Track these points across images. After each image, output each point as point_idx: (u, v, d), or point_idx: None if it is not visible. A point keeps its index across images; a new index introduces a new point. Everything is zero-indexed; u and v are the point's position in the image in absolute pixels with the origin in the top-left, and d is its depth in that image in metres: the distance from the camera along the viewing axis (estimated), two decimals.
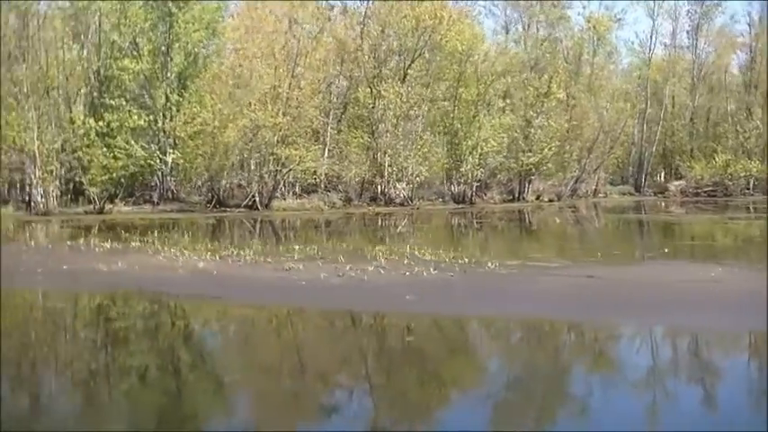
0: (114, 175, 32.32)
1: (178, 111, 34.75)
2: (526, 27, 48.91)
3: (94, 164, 31.79)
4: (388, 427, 6.19)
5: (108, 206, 32.20)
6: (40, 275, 14.08)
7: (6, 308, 11.78)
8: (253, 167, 35.06)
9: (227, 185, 35.73)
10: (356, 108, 40.28)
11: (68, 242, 19.78)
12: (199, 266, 14.54)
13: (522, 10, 48.45)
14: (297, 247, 17.10)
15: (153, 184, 35.86)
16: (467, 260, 14.49)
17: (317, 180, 37.15)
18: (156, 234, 20.98)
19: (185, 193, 36.65)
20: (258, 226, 28.78)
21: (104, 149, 32.10)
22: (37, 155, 31.79)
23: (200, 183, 36.66)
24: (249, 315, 11.32)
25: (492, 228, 29.35)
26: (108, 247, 17.72)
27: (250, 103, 33.46)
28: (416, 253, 15.38)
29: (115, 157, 32.05)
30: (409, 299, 10.91)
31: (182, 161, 34.87)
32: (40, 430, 6.01)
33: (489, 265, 13.97)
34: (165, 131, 34.97)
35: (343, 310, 11.15)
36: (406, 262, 14.32)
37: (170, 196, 35.72)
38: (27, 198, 32.80)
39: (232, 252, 16.32)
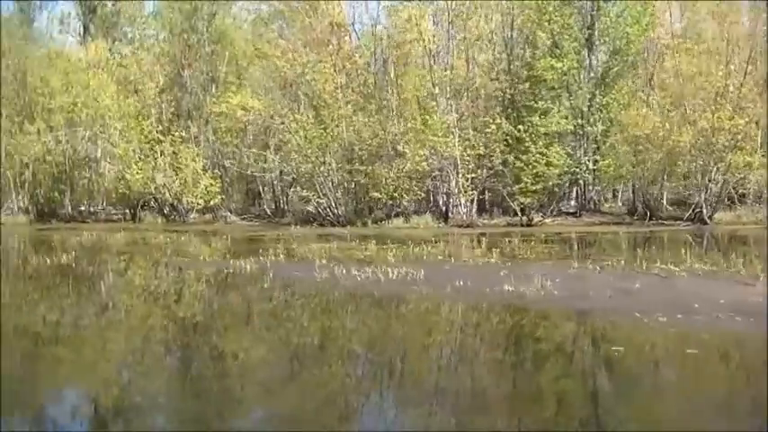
0: (549, 183, 29.98)
1: (602, 113, 31.59)
2: None
3: (525, 172, 29.69)
4: None
5: (536, 218, 29.96)
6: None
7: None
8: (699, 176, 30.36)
9: (657, 195, 31.64)
10: None
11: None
12: None
13: None
14: None
15: (571, 194, 33.18)
16: None
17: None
18: (636, 251, 17.76)
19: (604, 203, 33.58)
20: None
21: (537, 156, 29.78)
22: (459, 162, 30.67)
23: (622, 192, 33.10)
24: None
25: None
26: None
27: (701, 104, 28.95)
28: None
29: (549, 164, 29.65)
30: None
31: (607, 169, 31.47)
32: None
33: None
34: (588, 136, 32.02)
35: None
36: None
37: (592, 207, 32.71)
38: (444, 208, 31.89)
39: None
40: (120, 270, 18.17)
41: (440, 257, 17.53)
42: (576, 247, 21.97)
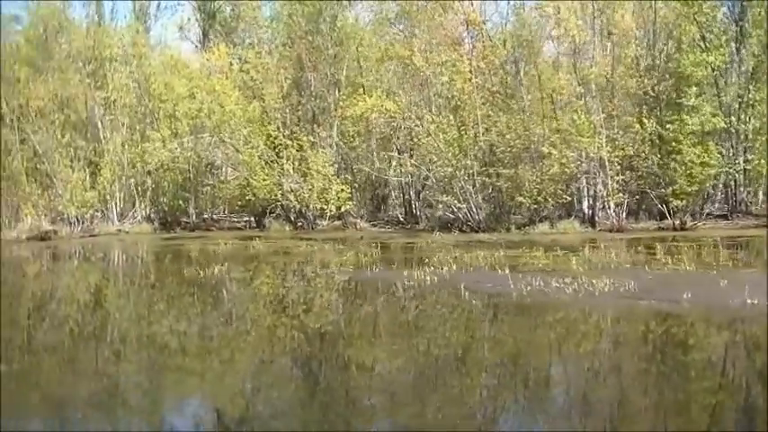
0: (707, 184, 28.60)
1: (754, 109, 30.23)
2: None
3: (679, 173, 28.37)
4: None
5: (690, 221, 28.55)
6: None
7: None
8: None
9: None
10: None
11: None
12: None
13: None
14: None
15: (716, 195, 31.86)
16: None
17: None
18: None
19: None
20: None
21: (692, 156, 28.42)
22: (606, 163, 29.39)
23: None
24: None
25: None
26: None
27: None
28: None
29: (704, 164, 28.27)
30: None
31: (761, 168, 30.01)
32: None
33: None
34: (738, 134, 30.61)
35: None
36: None
37: (743, 209, 31.28)
38: (589, 212, 30.62)
39: None
40: (288, 282, 17.44)
41: (626, 265, 16.77)
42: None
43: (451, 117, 30.54)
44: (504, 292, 13.19)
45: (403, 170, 33.34)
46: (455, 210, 30.53)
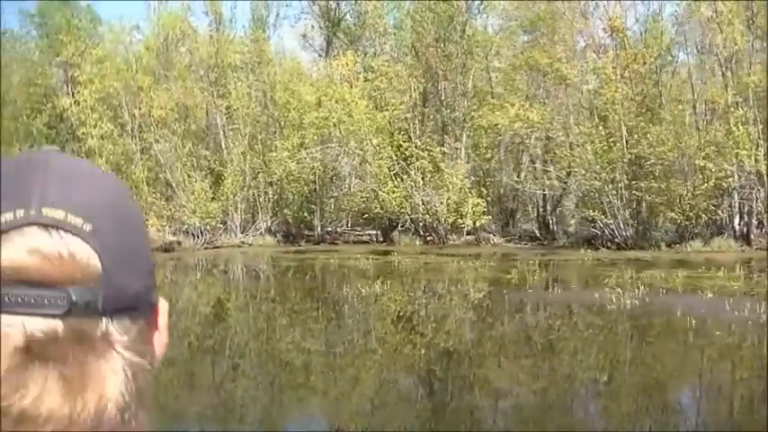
0: None
1: None
2: None
3: None
4: None
5: None
6: None
7: None
8: None
9: None
10: None
11: None
12: None
13: None
14: None
15: None
16: None
17: None
18: None
19: None
20: None
21: None
22: (765, 177, 27.75)
23: None
24: None
25: None
26: None
27: None
28: None
29: None
30: None
31: None
32: None
33: None
34: None
35: None
36: None
37: None
38: (744, 229, 28.97)
39: None
40: (468, 303, 16.36)
41: None
42: None
43: (600, 127, 29.18)
44: (734, 318, 11.97)
45: (539, 183, 32.04)
46: (601, 225, 29.16)
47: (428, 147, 32.13)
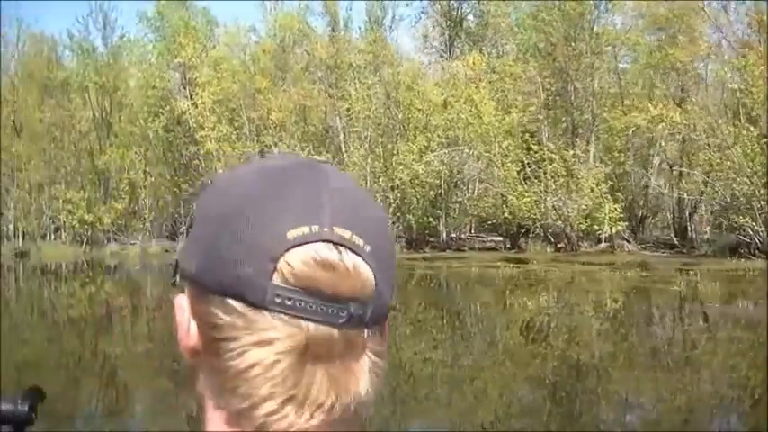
0: None
1: None
2: None
3: None
4: None
5: None
6: None
7: None
8: None
9: None
10: None
11: None
12: None
13: None
14: None
15: None
16: None
17: None
18: None
19: None
20: None
21: None
22: None
23: None
24: None
25: None
26: None
27: None
28: None
29: None
30: None
31: None
32: None
33: None
34: None
35: None
36: None
37: None
38: None
39: None
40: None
41: None
42: None
43: (751, 128, 27.71)
44: None
45: (677, 187, 30.69)
46: (750, 232, 27.66)
47: (560, 149, 31.02)
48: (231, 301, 0.61)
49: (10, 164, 38.05)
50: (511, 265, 26.09)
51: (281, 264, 0.60)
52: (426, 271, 25.62)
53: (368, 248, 0.62)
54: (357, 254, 0.61)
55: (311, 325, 0.60)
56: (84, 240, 36.79)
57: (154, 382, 9.84)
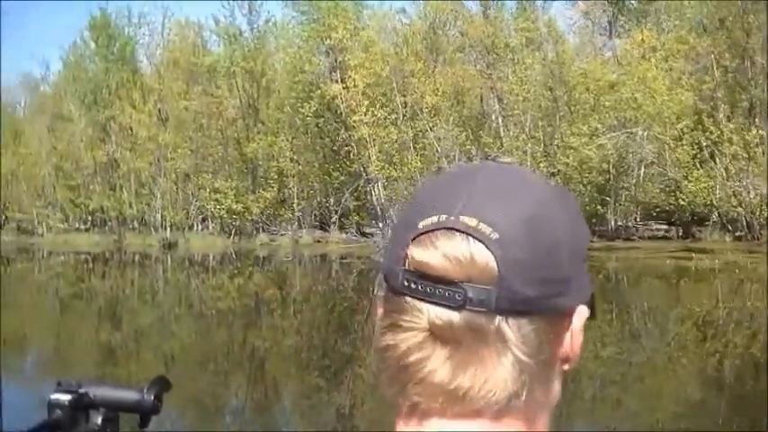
0: None
1: None
2: None
3: None
4: None
5: None
6: None
7: None
8: None
9: None
10: None
11: None
12: None
13: None
14: None
15: None
16: None
17: None
18: None
19: None
20: None
21: None
22: None
23: None
24: None
25: None
26: None
27: None
28: None
29: None
30: None
31: None
32: None
33: None
34: None
35: None
36: None
37: None
38: None
39: None
40: None
41: None
42: None
43: None
44: None
45: None
46: None
47: (740, 130, 29.06)
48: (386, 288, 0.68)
49: (156, 153, 38.36)
50: (703, 256, 24.47)
51: (409, 250, 0.65)
52: (616, 264, 24.19)
53: (495, 236, 0.63)
54: (480, 241, 0.63)
55: (432, 307, 0.64)
56: (233, 231, 36.76)
57: (303, 377, 9.81)
